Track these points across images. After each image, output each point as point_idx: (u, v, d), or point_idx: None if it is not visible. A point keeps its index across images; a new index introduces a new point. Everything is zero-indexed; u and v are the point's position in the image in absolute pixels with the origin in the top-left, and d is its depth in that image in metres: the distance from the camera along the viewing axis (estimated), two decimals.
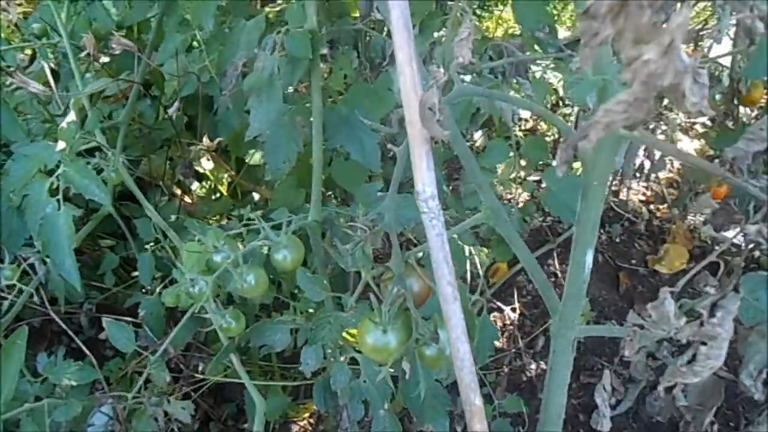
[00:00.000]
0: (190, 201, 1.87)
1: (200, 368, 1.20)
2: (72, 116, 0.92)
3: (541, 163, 1.20)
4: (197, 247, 0.93)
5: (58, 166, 0.93)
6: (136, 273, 1.44)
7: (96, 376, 1.06)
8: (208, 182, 2.00)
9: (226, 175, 2.00)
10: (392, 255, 0.72)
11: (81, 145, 1.00)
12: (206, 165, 1.96)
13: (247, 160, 1.86)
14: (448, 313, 0.58)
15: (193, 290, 0.86)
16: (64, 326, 1.06)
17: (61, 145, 0.92)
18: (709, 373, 0.45)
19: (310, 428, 1.71)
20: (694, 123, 3.15)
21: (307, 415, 1.72)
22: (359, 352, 0.84)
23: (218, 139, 1.14)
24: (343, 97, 1.01)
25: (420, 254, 0.78)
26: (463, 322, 0.58)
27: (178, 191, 1.83)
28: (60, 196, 0.89)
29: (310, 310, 0.94)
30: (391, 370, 0.95)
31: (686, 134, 3.11)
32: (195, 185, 1.98)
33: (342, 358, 0.87)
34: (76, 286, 0.89)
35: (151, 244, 1.25)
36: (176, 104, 1.17)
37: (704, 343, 0.45)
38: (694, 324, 0.46)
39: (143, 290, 1.34)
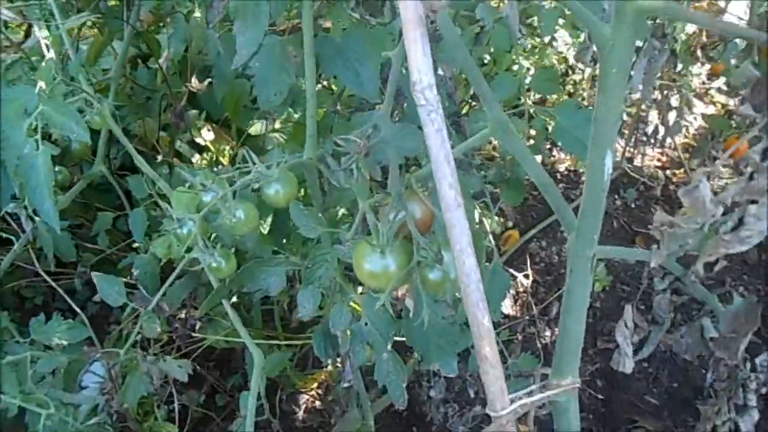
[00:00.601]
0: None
1: (197, 328, 1.15)
2: (51, 54, 0.86)
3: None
4: (187, 191, 0.87)
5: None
6: (132, 238, 1.40)
7: (87, 334, 1.01)
8: (209, 154, 1.95)
9: (227, 147, 1.95)
10: (390, 178, 0.66)
11: (63, 90, 0.94)
12: (207, 136, 1.91)
13: (248, 131, 1.80)
14: (451, 221, 0.51)
15: (181, 232, 0.80)
16: (53, 284, 1.01)
17: (39, 84, 0.86)
18: (759, 239, 0.38)
19: (318, 398, 1.66)
20: (709, 88, 3.06)
21: (315, 385, 1.67)
22: (360, 288, 0.79)
23: (207, 81, 1.08)
24: (337, 29, 0.95)
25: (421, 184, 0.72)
26: (469, 233, 0.52)
27: (179, 163, 1.78)
28: (38, 136, 0.83)
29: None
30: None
31: (701, 100, 3.02)
32: (196, 157, 1.93)
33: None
34: (56, 227, 0.83)
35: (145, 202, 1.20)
36: (166, 54, 1.11)
37: (754, 202, 0.38)
38: (741, 180, 0.40)
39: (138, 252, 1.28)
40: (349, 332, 0.78)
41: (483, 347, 0.54)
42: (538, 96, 2.02)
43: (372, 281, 0.60)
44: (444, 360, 0.72)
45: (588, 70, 2.77)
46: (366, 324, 0.77)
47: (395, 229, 0.61)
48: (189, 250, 0.85)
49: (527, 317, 1.89)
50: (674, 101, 2.85)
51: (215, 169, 1.64)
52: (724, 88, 3.06)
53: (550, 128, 1.11)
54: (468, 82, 1.76)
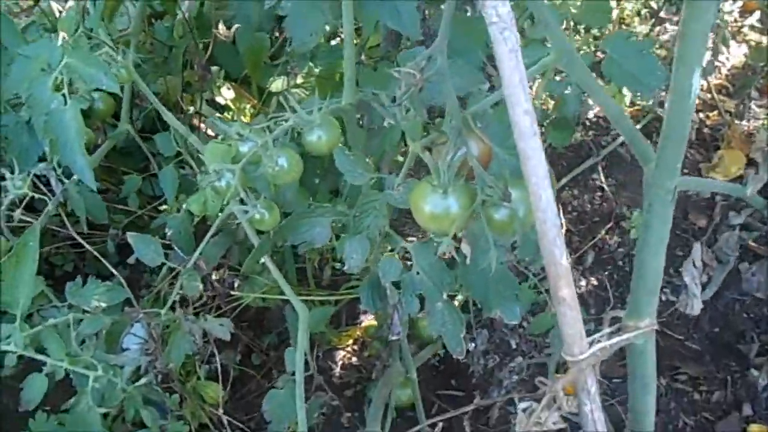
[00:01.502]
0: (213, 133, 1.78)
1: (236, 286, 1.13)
2: (71, 3, 0.82)
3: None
4: (221, 144, 0.83)
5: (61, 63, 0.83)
6: (159, 200, 1.37)
7: (126, 295, 0.99)
8: (230, 113, 1.91)
9: (248, 105, 1.90)
10: (446, 113, 0.61)
11: (86, 42, 0.90)
12: (227, 95, 1.86)
13: (268, 88, 1.75)
14: (526, 151, 0.47)
15: (219, 185, 0.77)
16: (88, 246, 0.99)
17: (61, 36, 0.82)
18: None
19: (354, 354, 1.65)
20: (742, 26, 2.93)
21: (350, 342, 1.66)
22: (412, 238, 0.75)
23: (236, 26, 1.02)
24: None
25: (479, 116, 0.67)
26: (545, 164, 0.48)
27: (206, 118, 1.74)
28: (65, 90, 0.79)
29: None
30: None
31: (733, 38, 2.89)
32: (216, 116, 1.88)
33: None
34: (91, 185, 0.80)
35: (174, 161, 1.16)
36: (187, 3, 1.06)
37: None
38: None
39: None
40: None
41: (560, 288, 0.50)
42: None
43: (434, 224, 0.56)
44: (506, 306, 0.69)
45: (630, 5, 2.64)
46: (418, 273, 0.73)
47: (457, 166, 0.56)
48: (225, 205, 0.82)
49: None
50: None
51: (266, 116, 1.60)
52: (758, 25, 2.94)
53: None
54: None
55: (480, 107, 0.68)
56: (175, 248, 1.10)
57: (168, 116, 1.02)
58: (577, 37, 2.36)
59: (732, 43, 2.86)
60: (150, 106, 1.50)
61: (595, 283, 1.81)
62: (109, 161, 1.55)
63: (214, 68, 1.66)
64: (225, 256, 1.25)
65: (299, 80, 1.82)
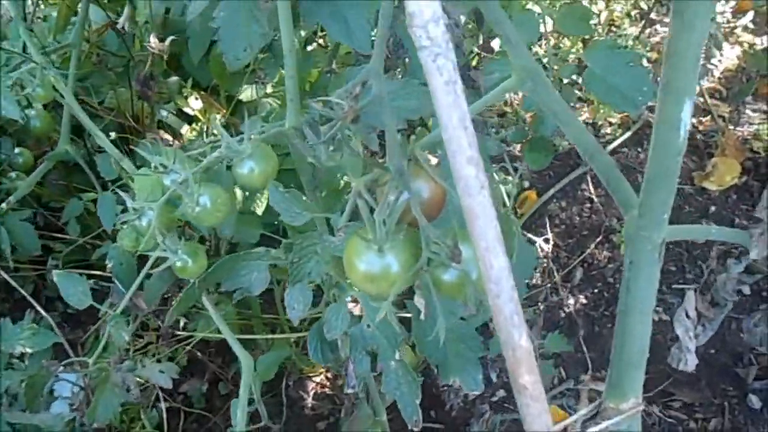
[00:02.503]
0: (179, 145, 1.68)
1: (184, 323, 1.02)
2: None
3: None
4: (150, 173, 0.73)
5: None
6: None
7: (54, 340, 0.88)
8: (199, 124, 1.80)
9: (218, 116, 1.80)
10: (387, 147, 0.51)
11: None
12: (195, 105, 1.76)
13: (239, 97, 1.65)
14: (473, 209, 0.37)
15: (140, 223, 0.66)
16: (8, 278, 0.88)
17: None
18: None
19: (328, 383, 1.55)
20: (735, 27, 2.84)
21: (323, 369, 1.56)
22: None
23: (170, 38, 0.92)
24: None
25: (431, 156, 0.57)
26: (496, 224, 0.38)
27: (166, 136, 1.64)
28: None
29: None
30: (407, 314, 0.76)
31: (726, 40, 2.81)
32: (185, 128, 1.78)
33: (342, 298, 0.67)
34: None
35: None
36: (126, 12, 0.95)
37: None
38: None
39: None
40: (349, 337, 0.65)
41: (521, 375, 0.40)
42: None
43: (369, 286, 0.46)
44: (466, 372, 0.59)
45: (619, 7, 2.55)
46: (368, 326, 0.63)
47: (397, 217, 0.46)
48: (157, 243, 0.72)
49: (549, 285, 1.75)
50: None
51: (204, 140, 1.49)
52: (752, 26, 2.85)
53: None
54: (472, 33, 1.59)
55: (434, 137, 0.58)
56: (116, 282, 0.99)
57: (98, 135, 0.91)
58: (566, 41, 2.27)
59: (725, 44, 2.77)
60: (106, 122, 1.40)
61: (584, 301, 1.71)
62: (65, 179, 1.45)
63: (175, 78, 1.56)
64: (177, 287, 1.15)
65: (270, 89, 1.73)
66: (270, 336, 1.09)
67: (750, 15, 2.79)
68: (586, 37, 2.11)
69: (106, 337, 0.82)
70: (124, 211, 1.05)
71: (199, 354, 1.54)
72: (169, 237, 0.66)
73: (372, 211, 0.47)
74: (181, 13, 1.08)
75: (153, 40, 0.88)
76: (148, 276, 0.95)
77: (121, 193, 0.70)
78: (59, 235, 1.20)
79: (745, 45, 2.72)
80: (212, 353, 1.67)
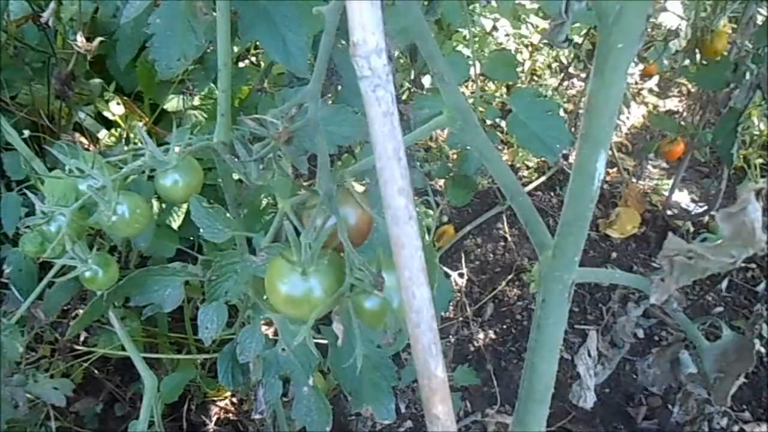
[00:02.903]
0: (96, 150, 1.60)
1: (84, 339, 0.96)
2: None
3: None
4: (64, 177, 0.69)
5: None
6: None
7: None
8: (118, 130, 1.73)
9: (140, 123, 1.73)
10: (318, 171, 0.51)
11: None
12: (116, 110, 1.69)
13: (164, 106, 1.61)
14: (400, 239, 0.38)
15: (48, 228, 0.63)
16: None
17: None
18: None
19: (232, 408, 1.50)
20: (641, 88, 3.08)
21: (228, 394, 1.51)
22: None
23: (98, 39, 0.89)
24: None
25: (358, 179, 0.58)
26: (421, 254, 0.39)
27: (82, 139, 1.56)
28: None
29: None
30: (321, 339, 0.75)
31: (633, 99, 3.03)
32: (103, 133, 1.70)
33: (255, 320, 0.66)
34: None
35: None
36: (51, 6, 0.91)
37: None
38: None
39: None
40: (262, 359, 0.63)
41: (434, 405, 0.41)
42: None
43: (290, 309, 0.46)
44: (379, 401, 0.59)
45: (542, 58, 2.69)
46: (283, 350, 0.62)
47: (323, 241, 0.46)
48: (64, 250, 0.68)
49: (461, 318, 1.79)
50: None
51: (125, 147, 1.44)
52: (656, 89, 3.10)
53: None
54: (405, 67, 1.63)
55: (365, 164, 0.59)
56: (12, 289, 0.92)
57: (10, 134, 0.86)
58: (491, 85, 2.38)
59: (632, 104, 2.99)
60: (17, 118, 1.32)
61: (493, 336, 1.76)
62: None
63: (97, 80, 1.49)
64: (80, 297, 1.09)
65: (198, 101, 1.69)
66: (176, 356, 1.05)
67: (655, 79, 3.04)
68: (510, 82, 2.23)
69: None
70: (29, 214, 0.99)
71: (96, 371, 1.45)
72: (79, 245, 0.63)
73: (298, 233, 0.47)
74: (112, 14, 1.04)
75: (80, 39, 0.85)
76: (48, 285, 0.89)
77: (30, 195, 0.66)
78: None
79: (650, 106, 2.95)
80: (110, 371, 1.58)
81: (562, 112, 2.57)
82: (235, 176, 0.65)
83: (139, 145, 0.68)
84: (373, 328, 0.47)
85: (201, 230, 0.59)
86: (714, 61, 1.50)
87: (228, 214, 0.59)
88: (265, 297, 0.73)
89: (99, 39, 0.87)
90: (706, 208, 2.21)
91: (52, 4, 0.92)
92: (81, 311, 1.03)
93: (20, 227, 0.66)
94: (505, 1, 0.88)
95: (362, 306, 0.46)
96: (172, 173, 0.61)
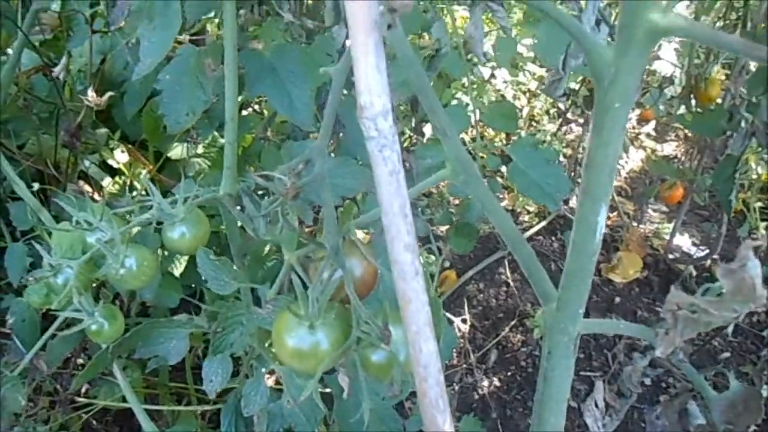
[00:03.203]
0: (100, 199, 1.62)
1: (85, 390, 0.95)
2: None
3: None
4: (71, 229, 0.70)
5: None
6: None
7: None
8: (123, 178, 1.75)
9: (144, 171, 1.76)
10: (325, 225, 0.52)
11: None
12: (120, 158, 1.72)
13: (168, 154, 1.63)
14: (406, 294, 0.38)
15: (55, 281, 0.63)
16: None
17: None
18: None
19: None
20: (639, 133, 3.12)
21: None
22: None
23: (108, 94, 0.91)
24: (268, 46, 0.81)
25: (363, 231, 0.59)
26: (428, 309, 0.39)
27: (87, 187, 1.58)
28: None
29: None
30: (326, 389, 0.75)
31: (632, 144, 3.07)
32: (107, 181, 1.73)
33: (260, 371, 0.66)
34: None
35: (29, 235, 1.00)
36: (63, 61, 0.94)
37: None
38: None
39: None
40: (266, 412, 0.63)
41: None
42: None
43: (297, 362, 0.46)
44: None
45: (540, 104, 2.74)
46: (288, 403, 0.62)
47: (330, 294, 0.47)
48: (70, 302, 0.68)
49: (464, 365, 1.77)
50: None
51: (130, 195, 1.46)
52: (653, 133, 3.15)
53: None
54: (405, 114, 1.66)
55: (371, 216, 0.60)
56: (15, 340, 0.92)
57: (15, 181, 0.87)
58: (490, 130, 2.41)
59: (631, 148, 3.03)
60: (23, 167, 1.34)
61: (498, 384, 1.74)
62: None
63: (103, 130, 1.52)
64: (82, 348, 1.08)
65: (201, 149, 1.72)
66: (177, 407, 1.03)
67: (653, 124, 3.09)
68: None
69: None
70: (34, 264, 1.00)
71: (95, 422, 1.43)
72: (85, 297, 0.63)
73: (305, 286, 0.48)
74: (123, 66, 1.07)
75: (90, 94, 0.87)
76: (51, 336, 0.89)
77: (38, 246, 0.67)
78: None
79: (648, 150, 2.99)
80: (109, 422, 1.56)
81: (561, 158, 2.60)
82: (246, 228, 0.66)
83: (145, 194, 0.69)
84: (380, 381, 0.47)
85: (207, 282, 0.60)
86: (709, 108, 1.53)
87: (234, 266, 0.60)
88: (268, 347, 0.73)
89: (108, 94, 0.90)
90: (707, 252, 2.22)
91: (64, 59, 0.94)
92: (81, 361, 1.02)
93: (23, 279, 0.66)
94: (503, 53, 0.91)
95: (369, 359, 0.46)
96: (180, 226, 0.62)
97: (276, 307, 0.56)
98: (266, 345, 0.66)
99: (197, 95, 0.69)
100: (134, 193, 1.63)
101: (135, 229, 0.73)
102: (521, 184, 0.85)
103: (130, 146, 1.70)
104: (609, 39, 0.65)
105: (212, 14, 0.90)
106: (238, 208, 0.64)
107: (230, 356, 0.64)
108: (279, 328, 0.47)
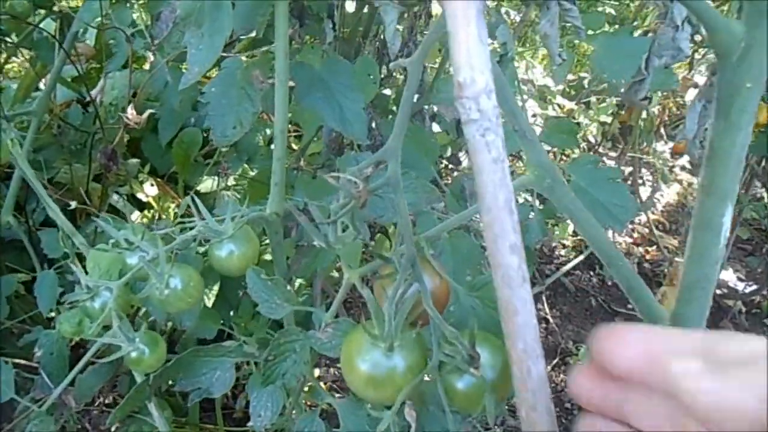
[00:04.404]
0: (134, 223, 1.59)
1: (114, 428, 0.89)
2: None
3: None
4: (109, 250, 0.65)
5: None
6: None
7: None
8: (151, 211, 1.73)
9: (173, 205, 1.73)
10: (400, 236, 0.47)
11: None
12: (149, 191, 1.69)
13: (197, 187, 1.61)
14: (513, 304, 0.32)
15: (92, 305, 0.58)
16: None
17: None
18: None
19: None
20: (673, 166, 3.05)
21: None
22: (341, 392, 0.57)
23: (148, 111, 0.88)
24: (316, 58, 0.77)
25: (429, 248, 0.53)
26: (535, 323, 0.33)
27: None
28: None
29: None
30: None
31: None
32: (135, 215, 1.70)
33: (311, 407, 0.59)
34: None
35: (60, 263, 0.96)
36: (101, 83, 0.91)
37: None
38: None
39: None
40: None
41: None
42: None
43: (373, 391, 0.40)
44: None
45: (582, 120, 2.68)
46: None
47: (407, 311, 0.41)
48: (107, 328, 0.63)
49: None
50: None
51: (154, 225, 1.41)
52: (688, 165, 3.07)
53: None
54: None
55: (437, 231, 0.54)
56: (42, 374, 0.87)
57: (51, 207, 0.83)
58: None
59: (662, 181, 2.96)
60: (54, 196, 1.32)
61: None
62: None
63: (134, 160, 1.50)
64: (111, 384, 1.02)
65: (231, 181, 1.69)
66: None
67: (686, 156, 3.02)
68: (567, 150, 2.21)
69: None
70: (64, 293, 0.95)
71: None
72: (123, 323, 0.58)
73: (378, 307, 0.42)
74: (159, 91, 1.05)
75: (130, 111, 0.84)
76: (80, 371, 0.84)
77: (74, 269, 0.62)
78: None
79: (684, 183, 2.92)
80: None
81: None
82: (316, 242, 0.61)
83: (181, 221, 0.65)
84: (467, 413, 0.41)
85: (258, 305, 0.54)
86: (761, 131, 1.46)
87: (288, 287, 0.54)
88: (317, 377, 0.67)
89: (149, 111, 0.87)
90: (756, 287, 2.12)
91: (102, 81, 0.92)
92: (108, 401, 0.97)
93: (53, 308, 0.61)
94: (560, 69, 0.87)
95: (453, 386, 0.40)
96: (228, 243, 0.57)
97: (337, 330, 0.50)
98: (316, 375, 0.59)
99: (245, 107, 0.65)
100: (171, 222, 1.60)
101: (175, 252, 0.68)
102: (584, 204, 0.79)
103: (159, 180, 1.68)
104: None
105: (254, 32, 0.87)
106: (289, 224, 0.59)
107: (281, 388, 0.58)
108: (349, 351, 0.41)
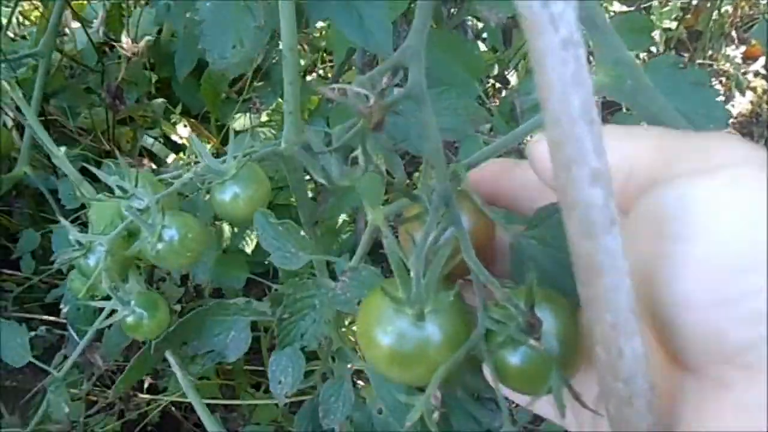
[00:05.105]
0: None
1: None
2: None
3: None
4: (112, 199, 0.57)
5: None
6: None
7: None
8: (186, 153, 1.67)
9: (209, 145, 1.67)
10: (429, 167, 0.35)
11: None
12: (183, 132, 1.63)
13: (231, 125, 1.53)
14: (595, 260, 0.22)
15: (86, 262, 0.51)
16: None
17: None
18: None
19: None
20: (746, 72, 2.78)
21: None
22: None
23: (146, 38, 0.78)
24: None
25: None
26: (629, 283, 0.23)
27: (151, 165, 1.49)
28: None
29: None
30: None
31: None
32: (171, 157, 1.64)
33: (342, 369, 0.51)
34: None
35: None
36: (101, 14, 0.82)
37: None
38: None
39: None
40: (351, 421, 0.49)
41: None
42: None
43: (398, 370, 0.31)
44: None
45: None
46: (380, 412, 0.47)
47: (441, 266, 0.31)
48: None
49: None
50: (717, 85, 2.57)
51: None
52: (763, 71, 2.79)
53: None
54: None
55: (477, 158, 0.43)
56: (70, 331, 0.83)
57: (59, 158, 0.76)
58: None
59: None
60: (82, 146, 1.26)
61: None
62: (28, 207, 1.29)
63: (160, 100, 1.43)
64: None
65: (265, 117, 1.61)
66: (252, 401, 0.92)
67: (762, 60, 2.73)
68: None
69: (44, 406, 0.66)
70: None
71: (173, 408, 1.35)
72: (135, 277, 0.50)
73: (401, 259, 0.32)
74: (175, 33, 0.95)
75: (125, 40, 0.74)
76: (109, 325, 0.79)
77: (65, 222, 0.55)
78: (10, 272, 1.04)
79: (759, 90, 2.65)
80: (188, 408, 1.48)
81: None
82: (319, 179, 0.51)
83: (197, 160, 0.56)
84: (524, 393, 0.31)
85: (270, 255, 0.45)
86: None
87: (303, 233, 0.45)
88: (348, 335, 0.59)
89: (146, 37, 0.77)
90: None
91: (101, 13, 0.82)
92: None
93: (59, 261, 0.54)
94: None
95: (506, 363, 0.30)
96: (232, 185, 0.48)
97: (354, 280, 0.40)
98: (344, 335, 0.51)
99: (245, 22, 0.54)
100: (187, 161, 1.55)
101: (186, 199, 0.60)
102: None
103: (192, 120, 1.61)
104: None
105: None
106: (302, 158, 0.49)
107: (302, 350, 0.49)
108: (367, 319, 0.31)
